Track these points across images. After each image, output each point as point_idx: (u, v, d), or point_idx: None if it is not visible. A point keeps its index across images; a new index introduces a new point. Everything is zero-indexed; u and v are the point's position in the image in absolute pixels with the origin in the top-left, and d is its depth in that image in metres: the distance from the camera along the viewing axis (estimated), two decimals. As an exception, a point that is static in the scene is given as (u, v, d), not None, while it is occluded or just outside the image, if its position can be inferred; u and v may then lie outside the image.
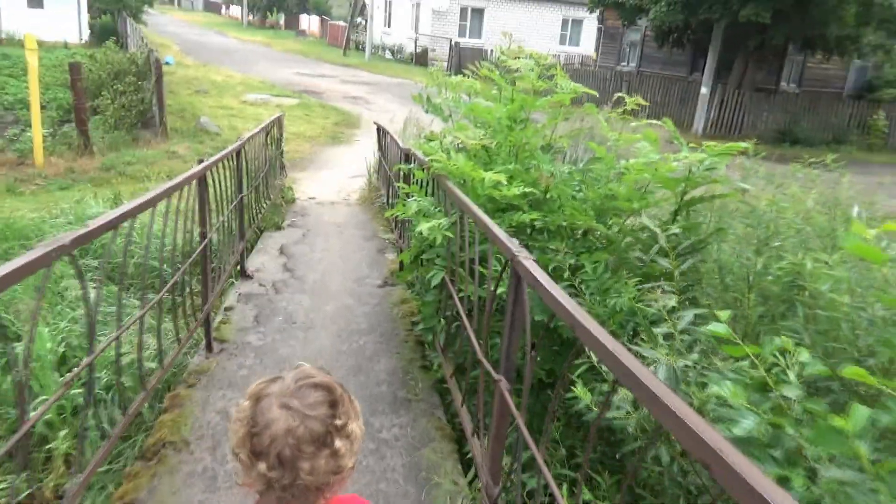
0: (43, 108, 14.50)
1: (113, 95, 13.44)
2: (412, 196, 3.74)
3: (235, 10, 55.60)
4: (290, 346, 4.23)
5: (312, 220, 7.96)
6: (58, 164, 11.10)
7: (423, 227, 3.07)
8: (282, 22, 49.79)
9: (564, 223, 3.42)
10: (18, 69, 18.09)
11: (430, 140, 3.94)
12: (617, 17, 23.42)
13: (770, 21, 16.12)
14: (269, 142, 7.70)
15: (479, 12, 32.15)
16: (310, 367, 1.16)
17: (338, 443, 1.08)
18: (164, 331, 4.06)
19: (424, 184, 3.91)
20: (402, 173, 5.07)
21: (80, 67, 11.47)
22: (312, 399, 1.09)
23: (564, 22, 33.26)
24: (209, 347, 4.09)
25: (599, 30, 28.16)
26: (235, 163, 5.14)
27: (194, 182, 3.69)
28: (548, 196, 3.48)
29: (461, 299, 2.98)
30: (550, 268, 3.11)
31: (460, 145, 3.71)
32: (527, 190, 3.23)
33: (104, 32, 25.36)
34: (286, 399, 1.08)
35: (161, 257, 3.80)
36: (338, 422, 1.09)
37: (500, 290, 2.81)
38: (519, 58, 3.81)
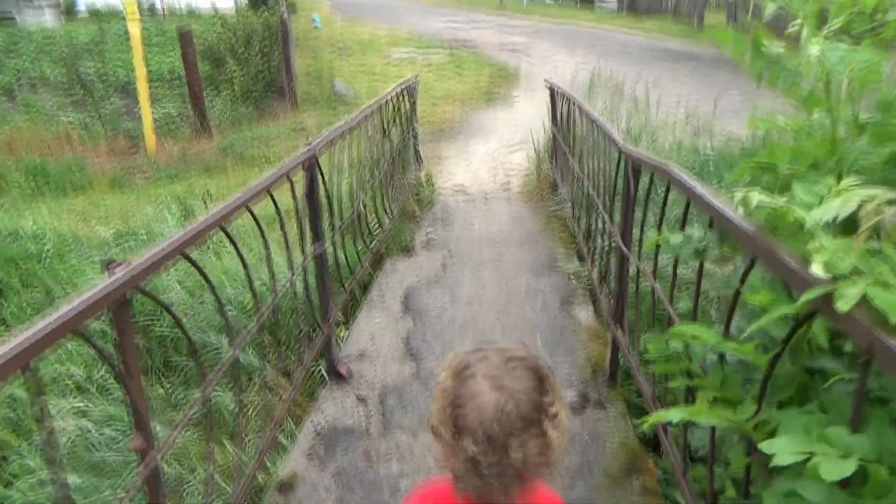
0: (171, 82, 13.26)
1: (240, 64, 11.74)
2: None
3: (388, -37, 54.02)
4: None
5: (458, 232, 5.46)
6: (171, 149, 9.57)
7: None
8: (433, -29, 47.25)
9: None
10: (167, 41, 17.20)
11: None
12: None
13: None
14: (391, 123, 5.24)
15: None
16: (517, 346, 1.07)
17: (548, 426, 0.99)
18: None
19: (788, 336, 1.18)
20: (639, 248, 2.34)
21: (191, 36, 9.76)
22: (521, 377, 1.00)
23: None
24: None
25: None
26: (307, 189, 2.73)
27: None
28: None
29: None
30: None
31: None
32: None
33: (257, -1, 24.49)
34: (494, 374, 1.00)
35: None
36: (547, 403, 1.00)
37: None
38: None
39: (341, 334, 3.87)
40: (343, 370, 3.23)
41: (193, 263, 1.66)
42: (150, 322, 4.16)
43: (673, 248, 1.49)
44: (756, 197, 1.13)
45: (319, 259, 2.93)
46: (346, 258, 3.63)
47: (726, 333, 1.45)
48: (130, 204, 7.64)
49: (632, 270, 2.67)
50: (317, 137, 2.89)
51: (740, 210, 1.45)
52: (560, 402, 1.04)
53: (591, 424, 2.80)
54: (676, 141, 5.96)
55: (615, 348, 3.03)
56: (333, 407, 3.01)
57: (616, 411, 2.90)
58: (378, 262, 4.87)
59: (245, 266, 2.14)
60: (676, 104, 7.93)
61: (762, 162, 1.39)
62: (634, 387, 3.07)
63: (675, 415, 1.18)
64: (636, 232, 2.52)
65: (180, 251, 1.54)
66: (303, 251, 2.68)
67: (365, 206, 4.11)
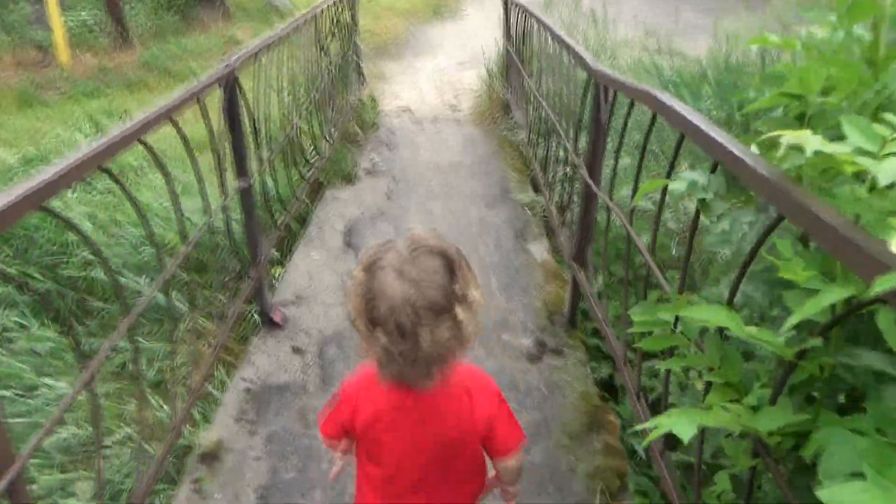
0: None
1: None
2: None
3: None
4: None
5: (404, 157, 5.08)
6: (87, 62, 8.66)
7: None
8: None
9: None
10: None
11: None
12: None
13: None
14: (329, 36, 4.72)
15: None
16: (423, 232, 1.07)
17: (459, 311, 1.00)
18: None
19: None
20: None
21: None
22: (429, 266, 1.01)
23: None
24: None
25: None
26: (227, 114, 2.31)
27: None
28: None
29: None
30: None
31: None
32: None
33: None
34: (402, 266, 1.00)
35: None
36: (457, 289, 1.01)
37: None
38: None
39: (276, 273, 3.54)
40: (277, 317, 2.91)
41: (56, 215, 1.29)
42: (58, 261, 3.73)
43: (675, 197, 1.20)
44: (814, 141, 0.84)
45: (245, 195, 2.54)
46: (277, 192, 3.24)
47: (730, 303, 1.19)
48: (42, 124, 6.90)
49: (600, 209, 2.40)
50: (237, 52, 2.44)
51: (754, 149, 1.17)
52: (471, 284, 1.04)
53: (547, 374, 2.59)
54: (636, 59, 5.63)
55: (575, 291, 2.80)
56: (266, 360, 2.71)
57: (575, 359, 2.69)
58: (317, 191, 4.48)
59: (140, 211, 1.76)
60: (633, 19, 7.55)
61: (789, 92, 1.09)
62: (592, 325, 2.87)
63: (684, 426, 0.92)
64: (608, 170, 2.23)
65: (37, 204, 1.16)
66: (222, 188, 2.29)
67: (300, 132, 3.68)
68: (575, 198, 2.86)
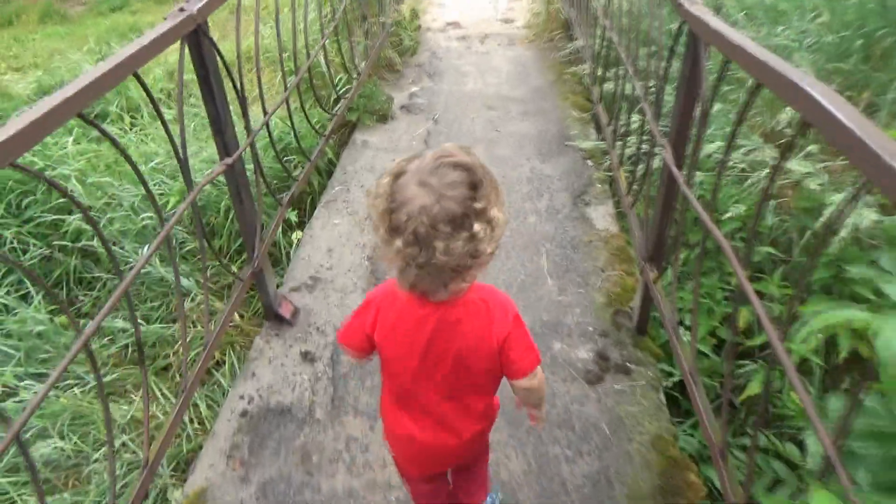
0: None
1: None
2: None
3: None
4: None
5: (446, 90, 4.40)
6: (112, -28, 8.02)
7: None
8: None
9: None
10: None
11: None
12: None
13: None
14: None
15: None
16: (452, 146, 1.05)
17: (476, 226, 0.99)
18: None
19: None
20: None
21: None
22: (451, 178, 0.99)
23: None
24: None
25: None
26: (199, 78, 1.76)
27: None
28: None
29: None
30: None
31: None
32: None
33: None
34: (424, 176, 0.99)
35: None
36: (477, 205, 0.99)
37: None
38: None
39: (294, 237, 3.05)
40: (286, 312, 2.45)
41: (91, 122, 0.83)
42: (56, 221, 3.32)
43: (887, 362, 0.62)
44: None
45: (231, 176, 2.02)
46: (279, 160, 2.68)
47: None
48: (61, 44, 6.43)
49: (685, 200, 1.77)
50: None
51: None
52: (494, 203, 1.02)
53: (610, 405, 2.07)
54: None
55: (647, 293, 2.21)
56: (270, 370, 2.27)
57: (645, 381, 2.15)
58: (348, 131, 3.92)
59: (168, 131, 1.25)
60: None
61: None
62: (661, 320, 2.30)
63: None
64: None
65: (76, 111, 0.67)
66: (188, 184, 1.76)
67: (311, 76, 3.07)
68: (653, 173, 2.22)
